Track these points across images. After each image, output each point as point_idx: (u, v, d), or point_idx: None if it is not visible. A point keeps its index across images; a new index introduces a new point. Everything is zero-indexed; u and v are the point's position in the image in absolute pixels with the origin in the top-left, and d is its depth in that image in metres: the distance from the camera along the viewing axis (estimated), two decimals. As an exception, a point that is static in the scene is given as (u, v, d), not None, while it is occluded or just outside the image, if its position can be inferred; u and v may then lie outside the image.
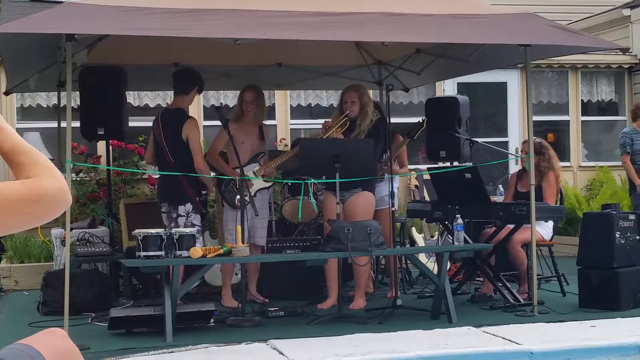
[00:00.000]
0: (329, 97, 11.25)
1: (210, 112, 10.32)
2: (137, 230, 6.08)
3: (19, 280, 8.75)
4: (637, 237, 6.90)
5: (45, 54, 6.80)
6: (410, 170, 8.43)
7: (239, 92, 7.59)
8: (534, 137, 7.67)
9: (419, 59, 8.24)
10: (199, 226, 6.88)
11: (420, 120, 7.75)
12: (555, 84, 12.37)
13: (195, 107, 10.75)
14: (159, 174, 7.27)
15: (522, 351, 5.27)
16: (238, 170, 6.92)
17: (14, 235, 8.84)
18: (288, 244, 6.35)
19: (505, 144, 11.57)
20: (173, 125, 6.93)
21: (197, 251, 5.91)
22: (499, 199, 7.78)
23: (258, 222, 7.20)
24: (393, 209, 7.08)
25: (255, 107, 7.33)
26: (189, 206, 6.86)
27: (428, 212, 7.65)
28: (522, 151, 7.81)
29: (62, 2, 7.58)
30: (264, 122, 7.54)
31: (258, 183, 7.24)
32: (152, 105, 10.70)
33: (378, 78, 9.05)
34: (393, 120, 7.36)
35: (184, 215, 6.86)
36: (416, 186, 8.95)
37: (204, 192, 7.08)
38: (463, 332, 5.91)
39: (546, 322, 6.19)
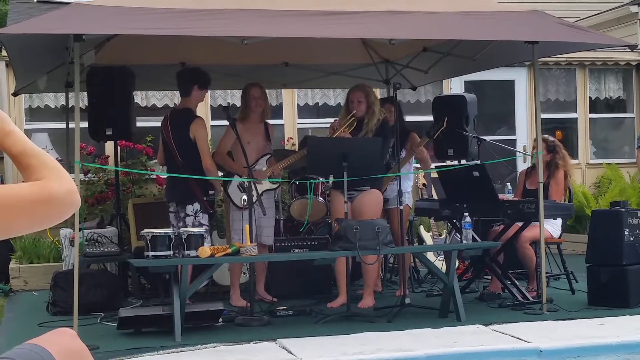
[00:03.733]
0: (336, 96, 11.25)
1: (218, 111, 10.33)
2: (145, 230, 6.10)
3: (28, 280, 8.78)
4: (646, 235, 6.88)
5: (53, 55, 6.82)
6: (417, 168, 8.42)
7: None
8: (548, 136, 7.67)
9: (426, 57, 8.23)
10: (207, 226, 6.89)
11: (436, 121, 7.69)
12: (563, 81, 12.34)
13: (203, 107, 10.75)
14: (171, 175, 7.27)
15: (531, 349, 5.26)
16: (246, 170, 6.93)
17: (23, 236, 8.84)
18: (296, 243, 6.35)
19: (513, 142, 11.55)
20: (181, 126, 6.94)
21: (205, 251, 5.92)
22: (507, 196, 7.77)
23: (265, 221, 7.20)
24: (401, 207, 7.07)
25: (263, 102, 7.36)
26: (196, 206, 6.87)
27: (436, 211, 7.64)
28: (533, 148, 7.80)
29: (69, 3, 7.60)
30: (268, 121, 7.54)
31: (265, 184, 7.25)
32: (159, 106, 10.72)
33: (385, 76, 9.04)
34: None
35: (192, 215, 6.87)
36: (424, 184, 8.94)
37: (211, 192, 7.09)
38: (472, 330, 5.90)
39: (555, 320, 6.18)
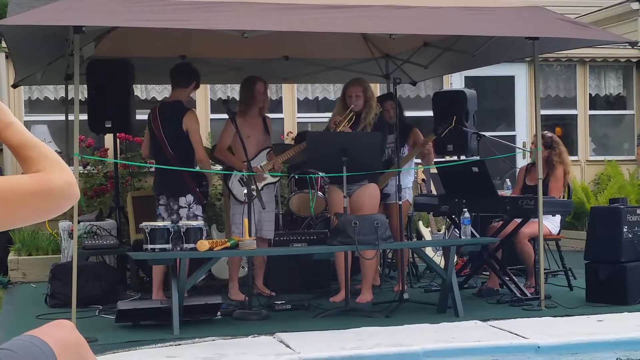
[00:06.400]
0: (336, 91, 11.23)
1: (217, 105, 10.32)
2: (144, 223, 6.10)
3: (27, 272, 8.78)
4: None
5: (53, 47, 6.81)
6: (417, 164, 8.42)
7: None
8: (546, 132, 7.66)
9: (427, 52, 8.23)
10: (201, 217, 6.89)
11: (443, 119, 7.67)
12: (563, 77, 12.34)
13: (203, 100, 10.77)
14: (167, 168, 7.26)
15: (529, 345, 5.27)
16: (246, 164, 6.93)
17: (22, 228, 8.86)
18: (295, 238, 6.36)
19: (512, 138, 11.55)
20: (172, 117, 6.93)
21: (204, 244, 5.92)
22: (506, 192, 7.77)
23: (265, 215, 7.20)
24: (400, 202, 7.07)
25: (266, 97, 7.40)
26: (189, 197, 6.87)
27: (435, 206, 7.64)
28: (532, 144, 7.80)
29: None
30: (267, 114, 7.54)
31: (266, 178, 7.24)
32: (159, 98, 10.69)
33: (385, 71, 9.03)
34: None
35: (185, 207, 6.86)
36: (423, 180, 8.94)
37: (204, 182, 7.08)
38: (470, 326, 5.91)
39: (553, 317, 6.19)
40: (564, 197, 7.49)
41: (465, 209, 6.54)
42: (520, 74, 11.94)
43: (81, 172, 9.17)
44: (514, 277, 7.12)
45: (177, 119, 6.88)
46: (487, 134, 8.12)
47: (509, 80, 12.01)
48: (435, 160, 8.33)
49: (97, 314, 6.63)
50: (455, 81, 11.58)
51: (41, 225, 9.04)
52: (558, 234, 7.56)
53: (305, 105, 11.33)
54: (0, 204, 1.59)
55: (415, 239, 8.74)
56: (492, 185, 7.12)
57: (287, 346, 5.24)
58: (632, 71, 12.47)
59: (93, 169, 9.85)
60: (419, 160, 8.18)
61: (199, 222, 6.32)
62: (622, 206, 6.85)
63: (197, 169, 7.03)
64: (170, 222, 6.34)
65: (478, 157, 7.64)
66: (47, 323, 2.11)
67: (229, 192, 7.32)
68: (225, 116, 7.15)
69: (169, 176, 6.87)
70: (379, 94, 10.13)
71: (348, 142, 6.66)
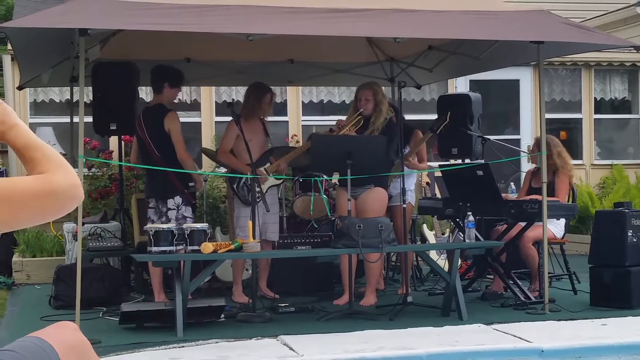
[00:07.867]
0: (340, 94, 11.25)
1: (222, 107, 10.33)
2: (148, 225, 6.11)
3: (31, 274, 8.79)
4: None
5: (59, 49, 6.83)
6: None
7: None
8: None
9: (431, 56, 8.23)
10: (191, 218, 6.90)
11: (442, 116, 7.66)
12: (568, 81, 12.32)
13: (207, 103, 10.79)
14: (170, 170, 7.26)
15: (533, 349, 5.26)
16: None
17: (27, 230, 8.88)
18: (299, 240, 6.37)
19: (517, 142, 11.53)
20: (154, 121, 6.96)
21: (208, 246, 5.92)
22: (510, 196, 7.76)
23: (269, 217, 7.20)
24: (404, 205, 7.07)
25: (270, 107, 7.40)
26: (178, 199, 6.88)
27: (439, 209, 7.64)
28: (534, 146, 7.77)
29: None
30: (265, 117, 7.53)
31: (270, 180, 7.25)
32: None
33: (390, 75, 9.03)
34: (405, 117, 7.33)
35: (174, 209, 6.86)
36: (427, 183, 8.93)
37: (191, 184, 7.08)
38: (473, 329, 5.90)
39: (557, 320, 6.18)
40: (568, 201, 7.48)
41: (470, 213, 6.54)
42: (525, 77, 11.93)
43: (86, 174, 9.19)
44: (518, 280, 7.12)
45: (159, 121, 6.92)
46: (491, 137, 8.11)
47: (514, 84, 11.99)
48: (440, 163, 8.32)
49: (100, 315, 6.64)
50: (460, 84, 11.57)
51: (45, 227, 9.06)
52: (562, 237, 7.55)
53: (310, 108, 11.33)
54: (4, 205, 1.60)
55: (419, 242, 8.74)
56: (497, 188, 7.11)
57: (291, 349, 5.24)
58: (637, 75, 12.45)
59: (98, 171, 9.86)
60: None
61: (203, 225, 6.32)
62: (626, 210, 6.84)
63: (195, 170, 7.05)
64: (174, 225, 6.35)
65: (482, 161, 7.64)
66: (51, 324, 2.11)
67: (234, 195, 7.32)
68: (230, 118, 7.15)
69: (156, 179, 6.92)
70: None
71: (351, 145, 6.65)
